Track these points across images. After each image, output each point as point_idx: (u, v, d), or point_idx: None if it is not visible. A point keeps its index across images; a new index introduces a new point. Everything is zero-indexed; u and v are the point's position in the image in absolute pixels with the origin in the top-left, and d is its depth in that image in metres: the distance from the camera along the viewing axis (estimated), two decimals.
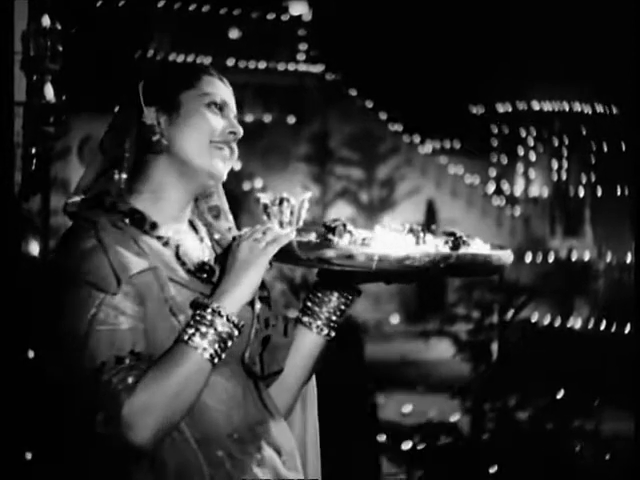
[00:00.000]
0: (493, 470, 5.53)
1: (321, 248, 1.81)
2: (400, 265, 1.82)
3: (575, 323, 11.74)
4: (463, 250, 1.88)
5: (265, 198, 1.90)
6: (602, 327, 11.33)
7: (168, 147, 1.91)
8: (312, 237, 1.88)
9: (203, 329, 1.79)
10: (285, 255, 1.84)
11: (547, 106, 18.51)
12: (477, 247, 1.91)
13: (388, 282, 1.98)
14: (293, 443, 1.98)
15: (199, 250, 1.96)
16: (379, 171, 17.79)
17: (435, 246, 1.88)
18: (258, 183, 16.09)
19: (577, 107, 18.32)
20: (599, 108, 18.03)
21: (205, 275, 1.91)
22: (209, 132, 1.92)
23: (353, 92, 18.26)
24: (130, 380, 1.73)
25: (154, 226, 1.90)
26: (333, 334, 2.02)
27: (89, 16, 13.29)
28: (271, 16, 17.77)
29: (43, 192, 3.86)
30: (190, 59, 16.68)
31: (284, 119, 17.56)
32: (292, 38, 17.86)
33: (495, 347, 6.25)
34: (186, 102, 1.92)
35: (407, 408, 8.98)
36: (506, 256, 1.93)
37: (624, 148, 15.83)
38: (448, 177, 18.75)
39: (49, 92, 3.37)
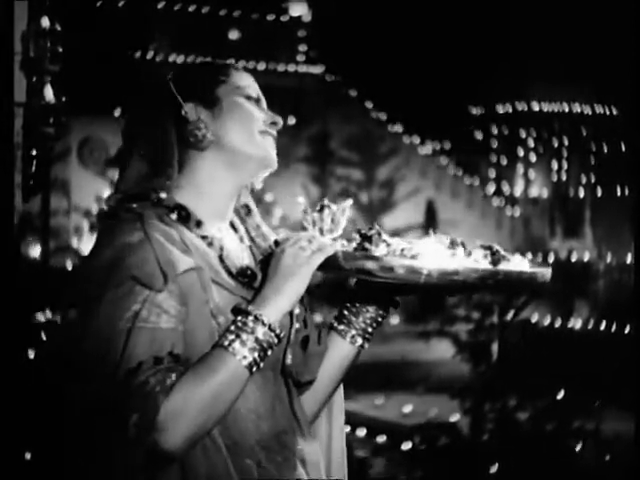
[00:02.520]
0: (493, 470, 5.53)
1: (367, 259, 1.77)
2: (448, 280, 1.77)
3: (575, 324, 11.73)
4: (507, 266, 1.83)
5: (305, 204, 1.88)
6: (602, 328, 11.32)
7: (215, 142, 1.88)
8: (349, 246, 1.83)
9: (244, 336, 1.74)
10: (329, 265, 1.79)
11: (547, 107, 18.51)
12: (517, 262, 1.86)
13: (430, 295, 1.95)
14: (319, 454, 1.94)
15: (239, 251, 1.92)
16: (379, 172, 17.79)
17: (474, 260, 1.83)
18: (258, 184, 16.08)
19: (577, 108, 18.32)
20: (599, 109, 18.02)
21: (247, 280, 1.87)
22: (254, 122, 1.93)
23: (353, 93, 18.25)
24: (168, 382, 1.68)
25: (199, 224, 1.86)
26: (366, 345, 1.99)
27: (89, 17, 13.30)
28: (271, 17, 17.76)
29: (43, 193, 3.86)
30: (190, 60, 16.67)
31: (284, 120, 17.55)
32: (292, 39, 17.85)
33: (495, 348, 6.25)
34: (225, 96, 1.91)
35: (407, 408, 8.99)
36: (548, 273, 1.89)
37: (624, 149, 15.82)
38: (448, 178, 18.75)
39: (49, 93, 3.37)
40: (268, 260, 1.85)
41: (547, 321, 11.67)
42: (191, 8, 17.13)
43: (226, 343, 1.74)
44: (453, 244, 1.84)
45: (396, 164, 17.87)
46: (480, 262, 1.83)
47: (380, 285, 1.82)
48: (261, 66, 17.50)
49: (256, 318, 1.76)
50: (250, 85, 1.96)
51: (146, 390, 1.67)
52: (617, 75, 12.86)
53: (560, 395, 6.47)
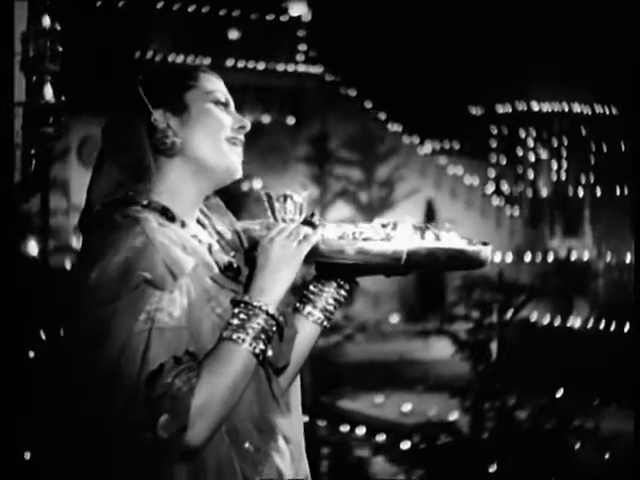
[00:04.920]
0: (492, 469, 5.54)
1: (347, 245, 1.85)
2: (425, 259, 1.87)
3: (574, 323, 11.75)
4: (450, 244, 1.92)
5: (269, 195, 1.93)
6: (601, 327, 11.33)
7: (183, 149, 1.91)
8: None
9: (249, 327, 1.80)
10: (310, 252, 1.87)
11: (546, 107, 18.51)
12: (455, 240, 1.95)
13: (389, 275, 1.99)
14: (297, 432, 1.99)
15: (215, 247, 1.97)
16: (378, 171, 17.78)
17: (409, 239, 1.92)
18: (257, 184, 16.08)
19: (577, 108, 18.32)
20: (598, 109, 18.03)
21: (233, 273, 1.92)
22: (222, 129, 1.93)
23: (352, 93, 18.25)
24: (193, 381, 1.72)
25: (184, 224, 1.91)
26: (328, 325, 2.05)
27: (89, 17, 13.31)
28: (270, 17, 17.75)
29: (42, 193, 3.86)
30: (190, 60, 16.68)
31: (283, 120, 17.54)
32: (291, 39, 17.84)
33: (494, 346, 6.25)
34: (193, 102, 1.92)
35: (407, 407, 9.00)
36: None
37: (623, 148, 15.83)
38: (447, 177, 18.75)
39: (48, 92, 3.37)
40: (252, 250, 1.91)
41: (547, 320, 11.68)
42: (191, 8, 17.13)
43: (235, 336, 1.80)
44: (421, 228, 1.93)
45: (395, 164, 17.86)
46: (426, 241, 1.91)
47: (345, 267, 1.91)
48: (261, 66, 17.50)
49: (259, 308, 1.82)
50: (219, 89, 1.96)
51: (173, 391, 1.71)
52: (616, 75, 12.86)
53: (559, 394, 6.48)
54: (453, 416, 6.73)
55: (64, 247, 12.83)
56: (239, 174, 1.97)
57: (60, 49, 3.43)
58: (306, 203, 1.93)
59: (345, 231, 1.90)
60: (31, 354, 3.73)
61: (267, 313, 1.82)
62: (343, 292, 2.03)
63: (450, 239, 1.94)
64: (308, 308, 2.02)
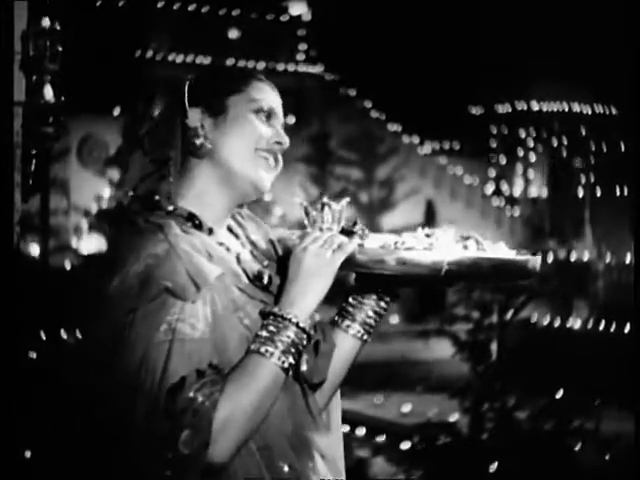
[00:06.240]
0: (492, 470, 5.53)
1: (386, 255, 1.78)
2: (467, 270, 1.79)
3: (574, 323, 11.75)
4: (494, 254, 1.85)
5: (307, 203, 1.88)
6: (601, 327, 11.33)
7: (212, 152, 1.84)
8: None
9: (278, 340, 1.73)
10: (346, 262, 1.80)
11: (546, 107, 18.51)
12: (503, 250, 1.88)
13: (431, 287, 1.95)
14: (335, 449, 1.92)
15: (246, 256, 1.90)
16: (379, 171, 17.79)
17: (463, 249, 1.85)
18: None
19: (576, 108, 18.32)
20: (598, 109, 18.03)
21: (263, 283, 1.85)
22: (255, 139, 1.86)
23: (352, 92, 18.25)
24: (216, 396, 1.65)
25: (211, 231, 1.84)
26: (369, 339, 1.97)
27: (89, 17, 13.30)
28: (270, 16, 17.76)
29: (42, 193, 3.86)
30: (189, 59, 16.68)
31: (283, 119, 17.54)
32: (291, 38, 17.85)
33: (494, 347, 6.25)
34: (233, 106, 1.86)
35: (406, 408, 8.99)
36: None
37: (623, 148, 15.83)
38: (447, 177, 18.75)
39: (48, 92, 3.37)
40: (283, 260, 1.84)
41: (546, 321, 11.68)
42: (191, 7, 17.13)
43: (263, 349, 1.72)
44: (465, 238, 1.86)
45: (395, 164, 17.87)
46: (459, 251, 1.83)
47: (384, 278, 1.83)
48: (261, 65, 17.49)
49: (289, 320, 1.75)
50: (265, 99, 1.91)
51: (195, 406, 1.64)
52: (616, 75, 12.86)
53: (559, 394, 6.48)
54: (453, 417, 6.72)
55: (64, 247, 12.84)
56: (266, 189, 1.88)
57: (60, 49, 3.42)
58: (345, 211, 1.86)
59: (387, 241, 1.82)
60: (31, 354, 3.73)
61: (297, 325, 1.74)
62: (383, 304, 1.94)
63: (495, 249, 1.85)
64: (347, 322, 1.93)
